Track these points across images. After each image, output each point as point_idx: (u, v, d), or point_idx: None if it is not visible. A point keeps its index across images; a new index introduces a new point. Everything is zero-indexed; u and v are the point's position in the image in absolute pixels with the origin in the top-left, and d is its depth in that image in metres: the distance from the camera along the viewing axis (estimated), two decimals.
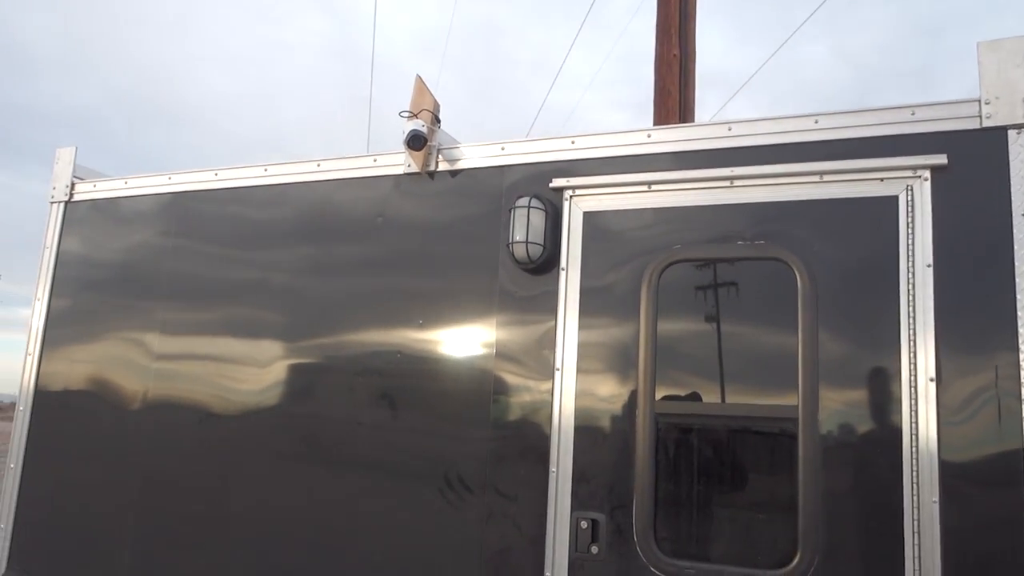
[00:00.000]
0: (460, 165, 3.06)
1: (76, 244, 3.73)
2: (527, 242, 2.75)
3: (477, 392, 2.82)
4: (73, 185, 3.80)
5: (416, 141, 2.99)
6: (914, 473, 2.27)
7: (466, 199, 3.01)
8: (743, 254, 2.58)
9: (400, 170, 3.14)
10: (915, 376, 2.32)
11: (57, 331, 3.66)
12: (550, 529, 2.62)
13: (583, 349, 2.70)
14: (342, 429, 2.99)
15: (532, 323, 2.79)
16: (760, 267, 2.56)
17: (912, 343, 2.34)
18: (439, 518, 2.77)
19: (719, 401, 2.54)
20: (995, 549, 2.19)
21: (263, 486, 3.06)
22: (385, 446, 2.91)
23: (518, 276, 2.84)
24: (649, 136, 2.81)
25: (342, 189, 3.23)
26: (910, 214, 2.42)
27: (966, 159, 2.40)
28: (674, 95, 6.96)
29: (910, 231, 2.40)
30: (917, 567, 2.23)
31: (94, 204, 3.75)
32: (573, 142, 2.90)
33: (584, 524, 2.57)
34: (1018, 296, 2.27)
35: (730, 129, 2.70)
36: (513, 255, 2.79)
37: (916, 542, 2.24)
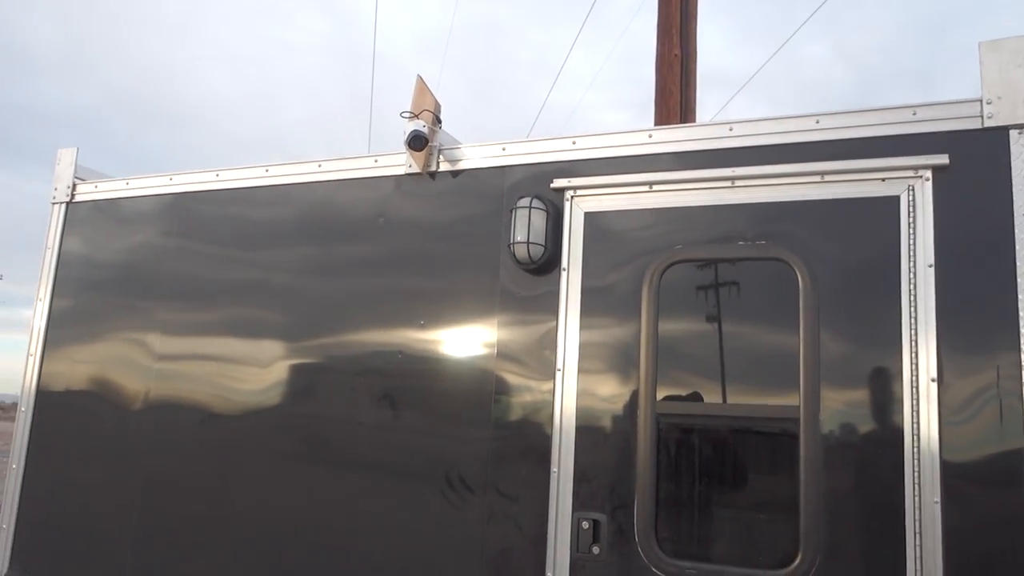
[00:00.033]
0: (461, 165, 3.06)
1: (78, 245, 3.73)
2: (528, 242, 2.75)
3: (478, 392, 2.82)
4: (75, 186, 3.80)
5: (417, 141, 2.99)
6: (916, 473, 2.27)
7: (467, 199, 3.01)
8: (744, 254, 2.57)
9: (401, 170, 3.14)
10: (916, 376, 2.32)
11: (59, 332, 3.66)
12: (551, 529, 2.62)
13: (584, 349, 2.70)
14: (343, 429, 2.99)
15: (533, 323, 2.79)
16: (761, 267, 2.56)
17: (913, 343, 2.34)
18: (440, 518, 2.77)
19: (720, 401, 2.54)
20: (997, 549, 2.19)
21: (264, 486, 3.06)
22: (386, 446, 2.92)
23: (519, 276, 2.84)
24: (650, 136, 2.81)
25: (343, 189, 3.23)
26: (911, 214, 2.41)
27: (968, 159, 2.40)
28: (675, 95, 6.96)
29: (911, 231, 2.40)
30: (919, 567, 2.23)
31: (95, 205, 3.75)
32: (574, 142, 2.90)
33: (585, 524, 2.57)
34: (1019, 296, 2.27)
35: (731, 129, 2.69)
36: (514, 255, 2.79)
37: (918, 542, 2.24)
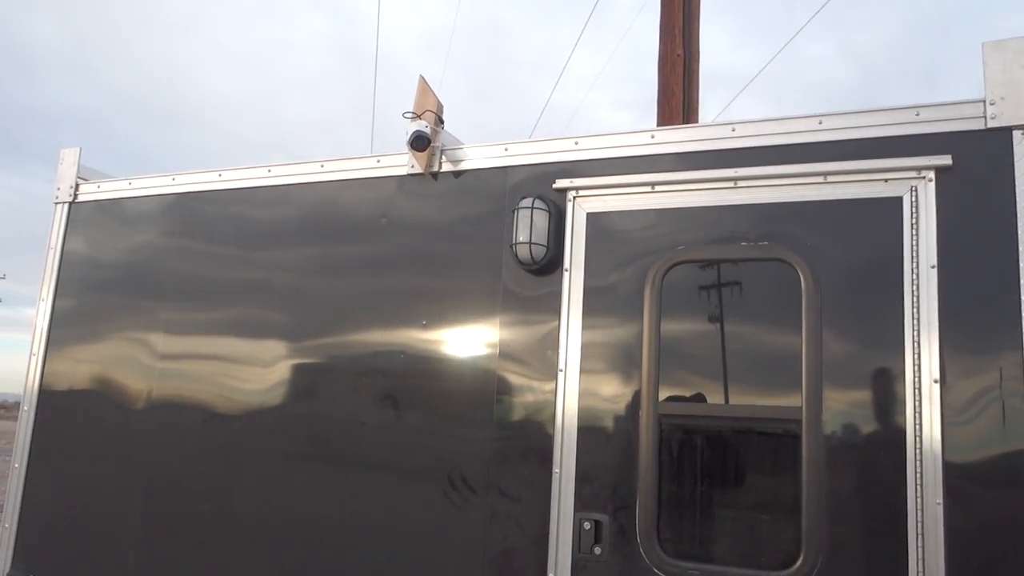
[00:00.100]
0: (463, 166, 3.06)
1: (80, 245, 3.73)
2: (531, 243, 2.75)
3: (481, 392, 2.82)
4: (77, 186, 3.81)
5: (419, 142, 2.99)
6: (918, 474, 2.27)
7: (469, 200, 3.01)
8: (747, 255, 2.57)
9: (404, 171, 3.14)
10: (919, 377, 2.32)
11: (61, 331, 3.67)
12: (553, 530, 2.62)
13: (586, 350, 2.70)
14: (345, 429, 2.99)
15: (536, 323, 2.79)
16: (764, 268, 2.55)
17: (916, 344, 2.33)
18: (442, 518, 2.78)
19: (723, 402, 2.54)
20: (999, 550, 2.18)
21: (266, 486, 3.07)
22: (388, 446, 2.92)
23: (522, 277, 2.84)
24: (653, 137, 2.80)
25: (346, 190, 3.23)
26: (914, 215, 2.41)
27: (971, 160, 2.39)
28: (678, 95, 6.95)
29: (914, 232, 2.40)
30: (921, 568, 2.22)
31: (98, 205, 3.76)
32: (576, 143, 2.90)
33: (587, 525, 2.57)
34: (1022, 297, 2.27)
35: (734, 130, 2.69)
36: (517, 256, 2.79)
37: (920, 543, 2.24)
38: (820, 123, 2.59)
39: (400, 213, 3.11)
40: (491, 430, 2.77)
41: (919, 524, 2.25)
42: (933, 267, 2.36)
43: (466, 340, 2.89)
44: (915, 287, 2.37)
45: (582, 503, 2.61)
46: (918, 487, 2.26)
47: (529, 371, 2.77)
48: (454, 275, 2.95)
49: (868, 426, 2.36)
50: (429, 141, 3.00)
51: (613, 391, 2.64)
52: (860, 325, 2.41)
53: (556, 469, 2.65)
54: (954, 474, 2.24)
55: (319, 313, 3.13)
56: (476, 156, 3.05)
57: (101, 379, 3.52)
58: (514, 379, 2.79)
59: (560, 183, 2.86)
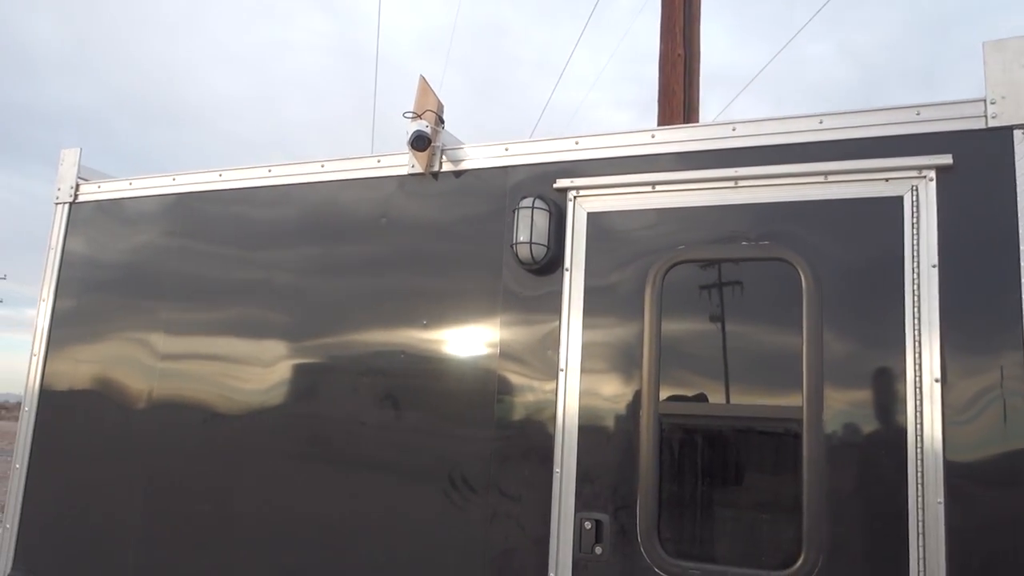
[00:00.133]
0: (464, 166, 3.06)
1: (81, 245, 3.74)
2: (531, 243, 2.75)
3: (481, 392, 2.82)
4: (78, 186, 3.81)
5: (420, 142, 2.99)
6: (919, 474, 2.27)
7: (470, 200, 3.01)
8: (747, 255, 2.57)
9: (404, 171, 3.14)
10: (920, 377, 2.32)
11: (62, 331, 3.67)
12: (554, 529, 2.62)
13: (587, 349, 2.70)
14: (346, 429, 2.99)
15: (536, 323, 2.79)
16: (764, 268, 2.55)
17: (917, 344, 2.33)
18: (443, 518, 2.78)
19: (723, 401, 2.54)
20: (1000, 550, 2.18)
21: (267, 486, 3.07)
22: (389, 446, 2.92)
23: (522, 276, 2.84)
24: (653, 136, 2.80)
25: (346, 190, 3.23)
26: (915, 214, 2.41)
27: (971, 159, 2.39)
28: (678, 94, 6.95)
29: (915, 231, 2.40)
30: (922, 568, 2.22)
31: (99, 205, 3.76)
32: (577, 142, 2.89)
33: (588, 524, 2.57)
34: (1023, 296, 2.26)
35: (734, 129, 2.69)
36: (517, 255, 2.79)
37: (921, 543, 2.24)
38: (821, 123, 2.58)
39: (400, 213, 3.11)
40: (492, 430, 2.77)
41: (920, 523, 2.24)
42: (934, 266, 2.36)
43: (467, 340, 2.89)
44: (916, 286, 2.36)
45: (583, 503, 2.61)
46: (919, 486, 2.26)
47: (530, 371, 2.77)
48: (455, 275, 2.95)
49: (869, 425, 2.36)
50: (429, 141, 3.00)
51: (614, 391, 2.64)
52: (861, 324, 2.41)
53: (557, 469, 2.65)
54: (955, 473, 2.24)
55: (319, 313, 3.14)
56: (476, 156, 3.05)
57: (102, 379, 3.52)
58: (515, 379, 2.79)
59: (560, 183, 2.85)
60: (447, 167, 3.08)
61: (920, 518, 2.25)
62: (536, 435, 2.71)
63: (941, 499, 2.24)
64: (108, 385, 3.49)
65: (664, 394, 2.58)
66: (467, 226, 2.99)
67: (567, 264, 2.79)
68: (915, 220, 2.41)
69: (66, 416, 3.56)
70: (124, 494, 3.33)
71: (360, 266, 3.12)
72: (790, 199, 2.57)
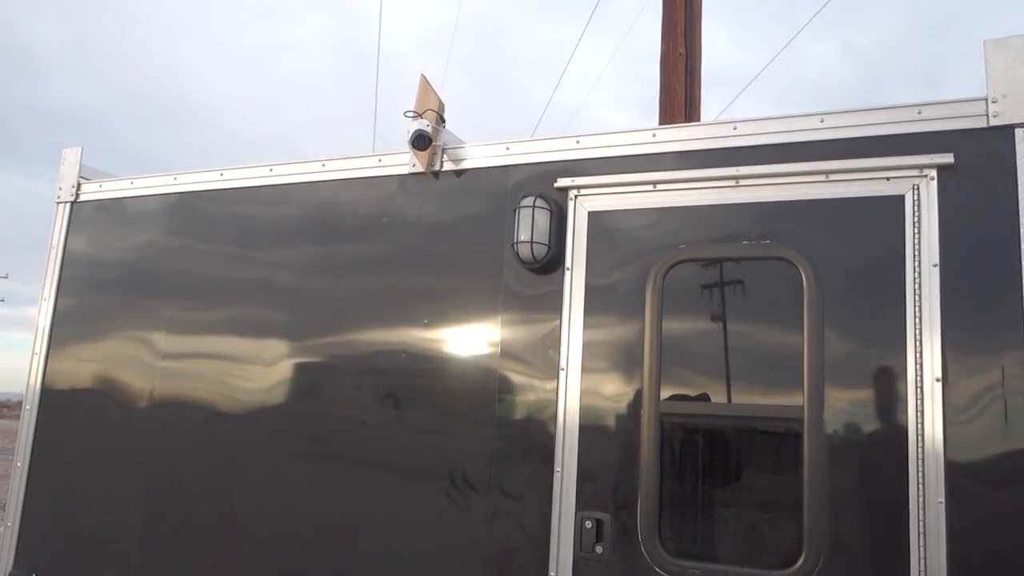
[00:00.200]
0: (465, 165, 3.06)
1: (82, 244, 3.74)
2: (532, 242, 2.75)
3: (482, 391, 2.82)
4: (79, 185, 3.81)
5: (421, 141, 2.99)
6: (920, 473, 2.27)
7: (471, 199, 3.01)
8: (748, 254, 2.57)
9: (405, 170, 3.14)
10: (921, 376, 2.31)
11: (64, 330, 3.67)
12: (554, 528, 2.62)
13: (588, 349, 2.70)
14: (347, 428, 2.99)
15: (537, 322, 2.79)
16: (765, 267, 2.55)
17: (918, 343, 2.33)
18: (444, 517, 2.78)
19: (724, 401, 2.54)
20: (1001, 549, 2.18)
21: (268, 485, 3.07)
22: (390, 445, 2.92)
23: (523, 276, 2.84)
24: (654, 135, 2.80)
25: (347, 189, 3.23)
26: (916, 213, 2.41)
27: (973, 158, 2.39)
28: (680, 94, 6.95)
29: (916, 231, 2.40)
30: (923, 568, 2.22)
31: (100, 204, 3.76)
32: (578, 141, 2.89)
33: (588, 524, 2.57)
34: None
35: (736, 128, 2.69)
36: (518, 255, 2.79)
37: (922, 542, 2.23)
38: (822, 121, 2.58)
39: (401, 212, 3.11)
40: (493, 429, 2.77)
41: (921, 523, 2.24)
42: (935, 265, 2.36)
43: (468, 339, 2.89)
44: (917, 286, 2.36)
45: (583, 502, 2.61)
46: (920, 486, 2.26)
47: (531, 370, 2.77)
48: (456, 274, 2.95)
49: (870, 425, 2.36)
50: (430, 140, 3.00)
51: (615, 390, 2.64)
52: (862, 324, 2.41)
53: (558, 468, 2.65)
54: (956, 473, 2.24)
55: (320, 312, 3.14)
56: (477, 155, 3.05)
57: (103, 378, 3.52)
58: (516, 378, 2.79)
59: (561, 182, 2.85)
60: (448, 166, 3.08)
61: (921, 517, 2.24)
62: (537, 434, 2.71)
63: (942, 498, 2.23)
64: (109, 384, 3.50)
65: (665, 393, 2.58)
66: (468, 225, 2.99)
67: (568, 263, 2.79)
68: (916, 219, 2.40)
69: (67, 415, 3.56)
70: (125, 493, 3.33)
71: (361, 265, 3.12)
72: (791, 198, 2.57)
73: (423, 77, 3.22)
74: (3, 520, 3.59)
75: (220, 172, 3.51)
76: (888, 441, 2.32)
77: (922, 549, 2.23)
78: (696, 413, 2.58)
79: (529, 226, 2.76)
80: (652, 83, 7.26)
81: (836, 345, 2.42)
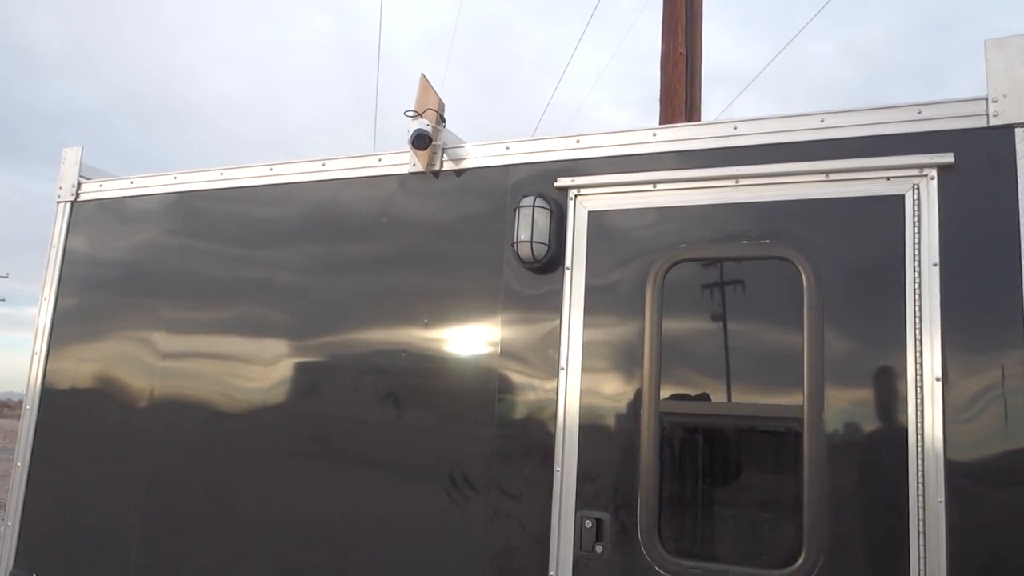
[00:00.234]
0: (465, 164, 3.06)
1: (82, 244, 3.74)
2: (532, 241, 2.75)
3: (482, 391, 2.82)
4: (79, 185, 3.81)
5: (421, 140, 2.99)
6: (920, 473, 2.27)
7: (471, 198, 3.01)
8: (748, 253, 2.57)
9: (405, 169, 3.14)
10: (921, 375, 2.31)
11: (64, 330, 3.67)
12: (554, 528, 2.62)
13: (588, 348, 2.70)
14: (347, 428, 2.99)
15: (537, 322, 2.79)
16: (766, 266, 2.55)
17: (918, 342, 2.33)
18: (444, 516, 2.78)
19: (724, 400, 2.54)
20: (1001, 549, 2.18)
21: (268, 485, 3.07)
22: (390, 445, 2.92)
23: (523, 275, 2.84)
24: (654, 135, 2.80)
25: (347, 188, 3.23)
26: (916, 213, 2.41)
27: (973, 158, 2.39)
28: (680, 93, 6.95)
29: (916, 230, 2.39)
30: (923, 567, 2.22)
31: (100, 204, 3.76)
32: (578, 141, 2.89)
33: (588, 523, 2.57)
34: None
35: (736, 128, 2.69)
36: (518, 254, 2.79)
37: (922, 542, 2.23)
38: (822, 121, 2.58)
39: (401, 212, 3.11)
40: (493, 428, 2.77)
41: (921, 522, 2.24)
42: (935, 265, 2.35)
43: (468, 339, 2.89)
44: (917, 285, 2.36)
45: (583, 501, 2.61)
46: (920, 485, 2.26)
47: (531, 369, 2.77)
48: (455, 274, 2.95)
49: (870, 424, 2.35)
50: (430, 139, 3.00)
51: (615, 389, 2.64)
52: (862, 323, 2.41)
53: (557, 467, 2.65)
54: (956, 472, 2.24)
55: (320, 312, 3.14)
56: (477, 154, 3.05)
57: (103, 378, 3.52)
58: (516, 377, 2.79)
59: (562, 181, 2.85)
60: (448, 166, 3.08)
61: (921, 517, 2.24)
62: (537, 434, 2.71)
63: (942, 498, 2.23)
64: (110, 384, 3.50)
65: (665, 393, 2.58)
66: (468, 225, 2.99)
67: (568, 263, 2.79)
68: (916, 219, 2.40)
69: (68, 415, 3.56)
70: (126, 493, 3.33)
71: (361, 265, 3.12)
72: (791, 198, 2.57)
73: (423, 76, 3.22)
74: (3, 520, 3.59)
75: (220, 172, 3.52)
76: (888, 441, 2.32)
77: (922, 549, 2.23)
78: (696, 412, 2.58)
79: (529, 226, 2.76)
80: (652, 83, 7.27)
81: (836, 345, 2.42)
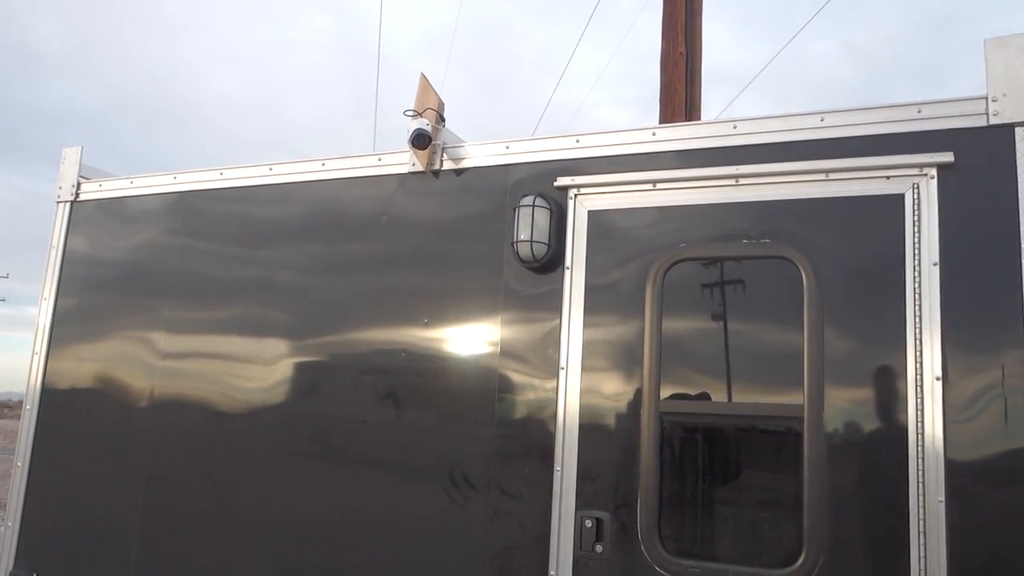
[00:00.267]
0: (465, 164, 3.06)
1: (82, 244, 3.74)
2: (532, 241, 2.75)
3: (482, 390, 2.82)
4: (79, 185, 3.81)
5: (420, 140, 2.99)
6: (920, 472, 2.26)
7: (471, 198, 3.01)
8: (748, 252, 2.57)
9: (405, 169, 3.14)
10: (921, 375, 2.31)
11: (64, 330, 3.67)
12: (554, 527, 2.62)
13: (588, 348, 2.70)
14: (347, 427, 2.99)
15: (537, 321, 2.79)
16: (765, 266, 2.55)
17: (918, 341, 2.33)
18: (444, 516, 2.78)
19: (724, 400, 2.54)
20: (1001, 548, 2.18)
21: (268, 484, 3.07)
22: (390, 444, 2.92)
23: (523, 275, 2.84)
24: (654, 134, 2.80)
25: (347, 188, 3.23)
26: (916, 212, 2.41)
27: (973, 157, 2.39)
28: (680, 93, 6.95)
29: (916, 229, 2.39)
30: (923, 567, 2.22)
31: (100, 204, 3.76)
32: (578, 140, 2.89)
33: (588, 523, 2.57)
34: None
35: (736, 127, 2.69)
36: (518, 254, 2.79)
37: (922, 541, 2.23)
38: (822, 120, 2.58)
39: (401, 211, 3.11)
40: (492, 428, 2.77)
41: (921, 522, 2.24)
42: (935, 264, 2.35)
43: (467, 338, 2.89)
44: (917, 284, 2.36)
45: (583, 501, 2.61)
46: (920, 485, 2.26)
47: (530, 369, 2.77)
48: (455, 273, 2.95)
49: (870, 424, 2.35)
50: (430, 139, 3.00)
51: (614, 389, 2.64)
52: (862, 322, 2.41)
53: (557, 467, 2.65)
54: (956, 472, 2.24)
55: (320, 311, 3.14)
56: (477, 154, 3.04)
57: (103, 378, 3.52)
58: (515, 377, 2.79)
59: (561, 181, 2.85)
60: (448, 165, 3.08)
61: (921, 516, 2.24)
62: (537, 433, 2.71)
63: (942, 497, 2.23)
64: (110, 384, 3.50)
65: (665, 392, 2.58)
66: (468, 224, 2.99)
67: (568, 262, 2.79)
68: (916, 218, 2.40)
69: (68, 414, 3.57)
70: (126, 492, 3.33)
71: (361, 264, 3.12)
72: (791, 197, 2.57)
73: (423, 76, 3.22)
74: (4, 520, 3.60)
75: (220, 171, 3.52)
76: (888, 440, 2.32)
77: (922, 548, 2.23)
78: (696, 412, 2.58)
79: (529, 225, 2.76)
80: (652, 82, 7.27)
81: (836, 344, 2.42)
